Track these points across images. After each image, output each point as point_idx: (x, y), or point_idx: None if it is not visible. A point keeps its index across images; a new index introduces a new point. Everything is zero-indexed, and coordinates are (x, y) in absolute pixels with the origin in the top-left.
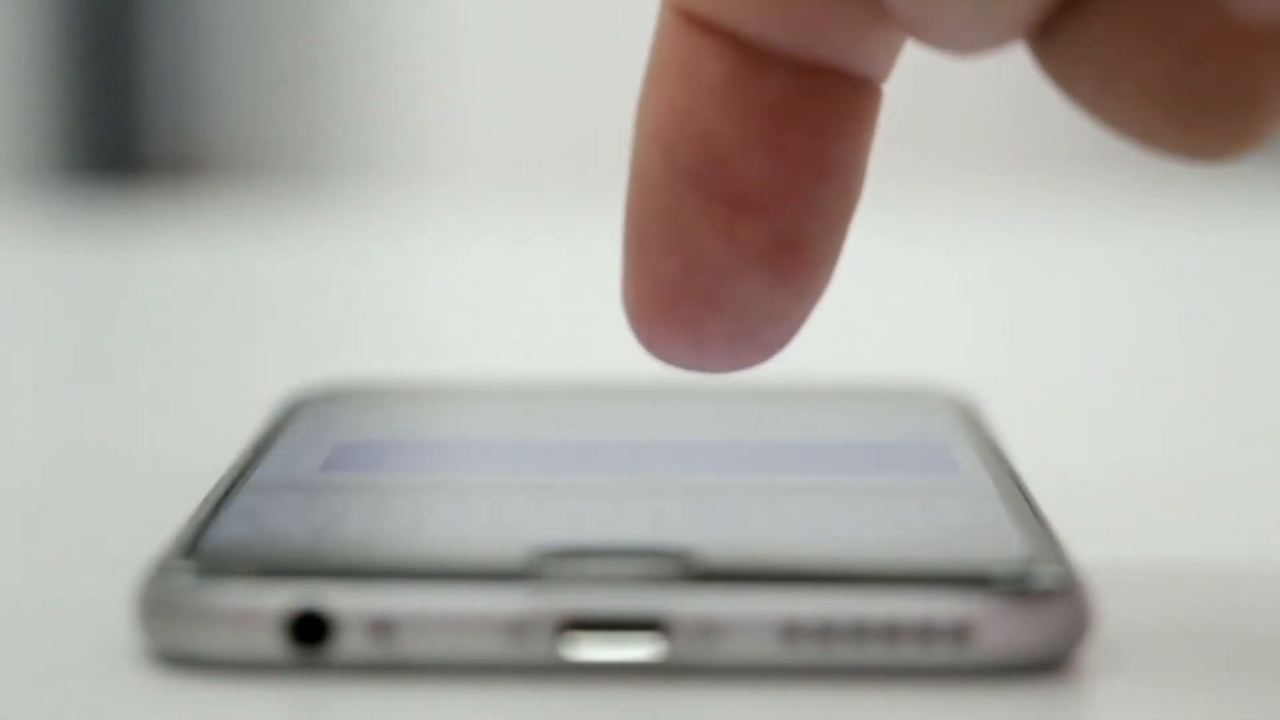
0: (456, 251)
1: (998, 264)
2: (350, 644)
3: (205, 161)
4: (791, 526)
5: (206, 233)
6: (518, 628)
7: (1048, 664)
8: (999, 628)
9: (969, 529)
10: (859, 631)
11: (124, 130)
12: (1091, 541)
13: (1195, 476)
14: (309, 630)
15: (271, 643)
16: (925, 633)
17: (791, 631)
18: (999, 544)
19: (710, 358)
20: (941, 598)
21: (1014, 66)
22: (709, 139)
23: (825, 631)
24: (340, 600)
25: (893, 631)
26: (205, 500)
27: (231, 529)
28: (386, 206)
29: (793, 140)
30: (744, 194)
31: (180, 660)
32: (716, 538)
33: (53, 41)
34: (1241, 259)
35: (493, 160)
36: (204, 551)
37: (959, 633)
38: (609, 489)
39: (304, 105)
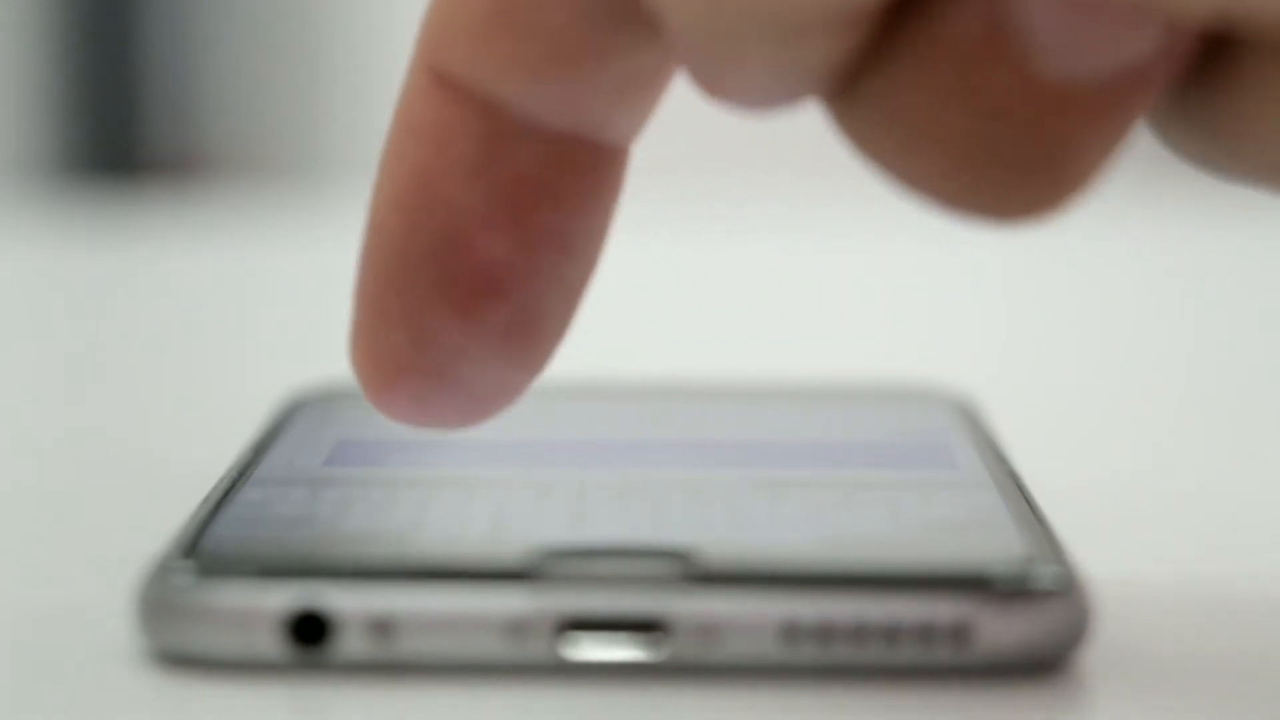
0: None
1: (998, 264)
2: (350, 644)
3: (205, 161)
4: (791, 527)
5: (206, 233)
6: (518, 628)
7: (1048, 664)
8: (999, 628)
9: (969, 529)
10: (859, 632)
11: (124, 130)
12: (1091, 541)
13: (1196, 477)
14: (309, 630)
15: (271, 643)
16: (925, 633)
17: (791, 632)
18: (999, 544)
19: (436, 422)
20: (941, 598)
21: None
22: (453, 212)
23: (825, 632)
24: (340, 600)
25: (893, 632)
26: (205, 500)
27: (231, 529)
28: None
29: (539, 217)
30: (484, 274)
31: (180, 660)
32: (717, 538)
33: (53, 41)
34: (1244, 259)
35: None
36: (204, 551)
37: (959, 633)
38: (609, 488)
39: (304, 105)
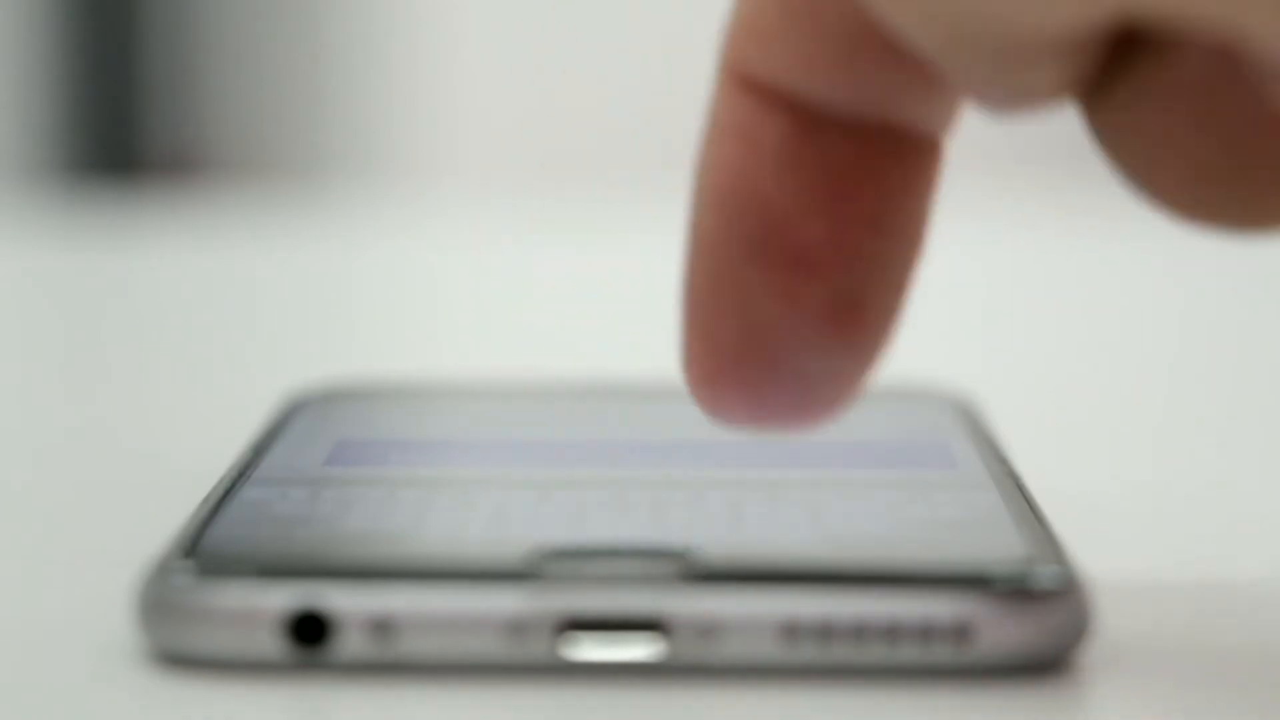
0: (456, 251)
1: (998, 264)
2: (350, 644)
3: (205, 161)
4: (791, 526)
5: (206, 233)
6: (517, 628)
7: (1048, 664)
8: (999, 628)
9: (969, 529)
10: (859, 631)
11: (124, 130)
12: (1091, 542)
13: (1196, 477)
14: (309, 630)
15: (271, 643)
16: (925, 633)
17: (791, 631)
18: (999, 544)
19: (772, 420)
20: (941, 598)
21: None
22: (769, 203)
23: (825, 631)
24: (340, 600)
25: (893, 631)
26: (205, 500)
27: (231, 529)
28: (386, 206)
29: (854, 202)
30: (804, 257)
31: (180, 660)
32: (716, 537)
33: (53, 41)
34: (1245, 260)
35: (493, 160)
36: (204, 551)
37: (959, 633)
38: (609, 488)
39: (304, 105)
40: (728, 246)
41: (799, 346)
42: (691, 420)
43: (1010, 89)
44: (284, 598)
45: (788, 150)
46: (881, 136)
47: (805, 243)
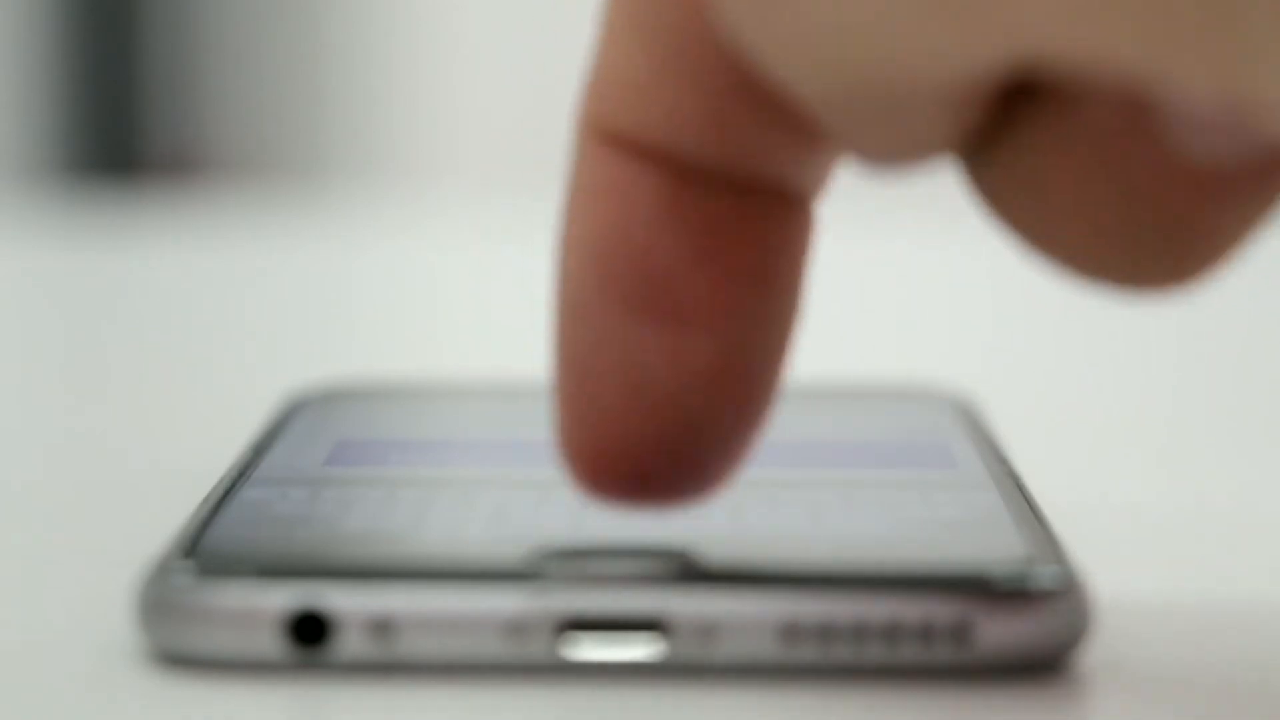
0: (456, 251)
1: (998, 264)
2: (350, 644)
3: (205, 161)
4: (791, 526)
5: (206, 233)
6: (517, 628)
7: (1047, 664)
8: (999, 628)
9: (969, 529)
10: (859, 631)
11: (124, 130)
12: (1091, 542)
13: (1196, 478)
14: (309, 630)
15: (271, 643)
16: (925, 633)
17: (791, 631)
18: (999, 544)
19: (655, 492)
20: (941, 598)
21: None
22: (648, 257)
23: (825, 631)
24: (340, 600)
25: (893, 632)
26: (205, 500)
27: (232, 529)
28: (386, 206)
29: (736, 254)
30: (689, 311)
31: (180, 660)
32: (716, 538)
33: (53, 41)
34: (1248, 262)
35: (492, 160)
36: (204, 551)
37: (959, 633)
38: None
39: (304, 105)
40: (608, 307)
41: (684, 409)
42: None
43: (894, 143)
44: (284, 598)
45: (664, 206)
46: (755, 194)
47: (688, 296)
